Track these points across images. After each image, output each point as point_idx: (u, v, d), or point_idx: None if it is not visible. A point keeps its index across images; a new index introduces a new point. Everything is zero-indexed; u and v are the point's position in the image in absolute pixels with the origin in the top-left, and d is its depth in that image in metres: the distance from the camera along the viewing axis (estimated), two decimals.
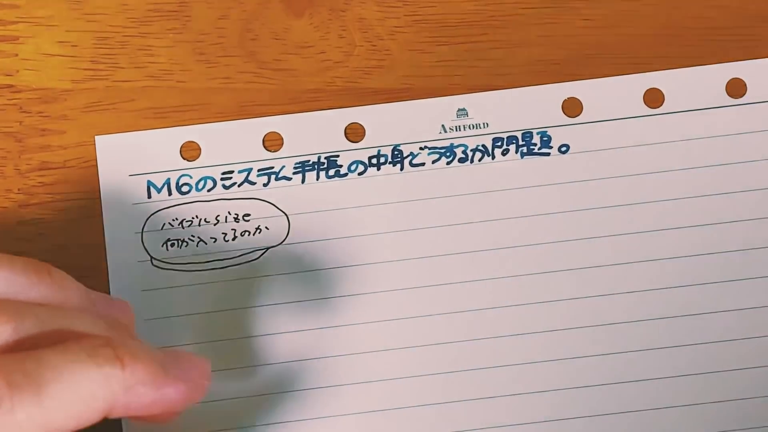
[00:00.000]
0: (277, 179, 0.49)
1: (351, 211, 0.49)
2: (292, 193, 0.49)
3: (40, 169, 0.50)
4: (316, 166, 0.50)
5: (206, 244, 0.49)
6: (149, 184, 0.49)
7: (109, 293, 0.49)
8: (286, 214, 0.49)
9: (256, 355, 0.49)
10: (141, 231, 0.49)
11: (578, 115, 0.50)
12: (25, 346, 0.38)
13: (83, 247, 0.49)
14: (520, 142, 0.50)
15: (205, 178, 0.49)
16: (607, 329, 0.49)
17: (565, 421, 0.48)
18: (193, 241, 0.49)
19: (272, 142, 0.50)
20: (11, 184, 0.50)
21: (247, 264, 0.49)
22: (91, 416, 0.38)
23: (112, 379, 0.38)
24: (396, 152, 0.50)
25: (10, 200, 0.50)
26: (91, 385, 0.38)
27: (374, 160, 0.50)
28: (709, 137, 0.50)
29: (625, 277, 0.49)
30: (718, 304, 0.49)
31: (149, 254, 0.49)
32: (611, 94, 0.50)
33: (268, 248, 0.49)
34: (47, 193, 0.50)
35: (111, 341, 0.39)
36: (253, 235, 0.49)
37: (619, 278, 0.49)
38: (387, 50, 0.51)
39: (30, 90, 0.50)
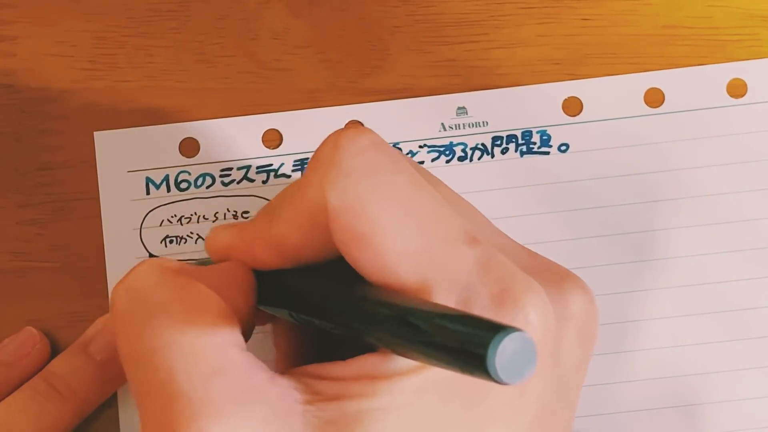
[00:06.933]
0: (276, 176, 0.49)
1: None
2: None
3: (39, 169, 0.50)
4: None
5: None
6: (148, 180, 0.49)
7: (107, 290, 0.49)
8: None
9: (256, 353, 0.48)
10: (139, 227, 0.49)
11: (578, 114, 0.50)
12: None
13: (83, 247, 0.49)
14: (520, 141, 0.50)
15: (204, 175, 0.49)
16: (605, 329, 0.49)
17: None
18: (191, 237, 0.49)
19: (271, 140, 0.50)
20: (10, 184, 0.50)
21: None
22: None
23: None
24: None
25: (10, 200, 0.50)
26: None
27: None
28: (709, 137, 0.50)
29: (624, 276, 0.49)
30: (717, 305, 0.49)
31: (147, 251, 0.49)
32: (611, 94, 0.50)
33: None
34: (46, 193, 0.50)
35: None
36: None
37: (617, 278, 0.49)
38: (387, 50, 0.50)
39: (29, 90, 0.50)
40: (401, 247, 0.35)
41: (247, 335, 0.38)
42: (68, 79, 0.50)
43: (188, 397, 0.34)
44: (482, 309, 0.35)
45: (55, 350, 0.49)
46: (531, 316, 0.35)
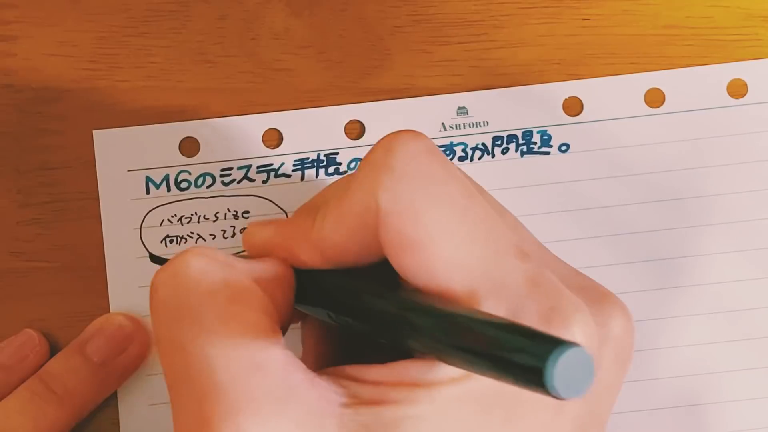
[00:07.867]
0: (276, 176, 0.49)
1: None
2: (291, 191, 0.49)
3: (40, 169, 0.50)
4: (315, 164, 0.49)
5: (205, 240, 0.49)
6: (148, 179, 0.49)
7: (107, 290, 0.49)
8: (285, 212, 0.49)
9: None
10: (139, 227, 0.49)
11: (579, 114, 0.50)
12: None
13: (83, 247, 0.49)
14: (520, 141, 0.50)
15: (204, 175, 0.49)
16: None
17: None
18: (192, 237, 0.49)
19: (271, 139, 0.50)
20: (11, 184, 0.50)
21: None
22: None
23: None
24: None
25: (10, 200, 0.50)
26: None
27: None
28: (710, 137, 0.50)
29: (625, 276, 0.49)
30: (716, 304, 0.49)
31: (148, 250, 0.49)
32: (612, 94, 0.50)
33: None
34: (46, 193, 0.50)
35: None
36: None
37: (618, 278, 0.49)
38: (387, 50, 0.50)
39: (29, 90, 0.50)
40: (453, 256, 0.35)
41: (283, 332, 0.38)
42: (68, 79, 0.50)
43: (226, 391, 0.34)
44: (529, 324, 0.34)
45: (54, 351, 0.49)
46: (577, 336, 0.35)
